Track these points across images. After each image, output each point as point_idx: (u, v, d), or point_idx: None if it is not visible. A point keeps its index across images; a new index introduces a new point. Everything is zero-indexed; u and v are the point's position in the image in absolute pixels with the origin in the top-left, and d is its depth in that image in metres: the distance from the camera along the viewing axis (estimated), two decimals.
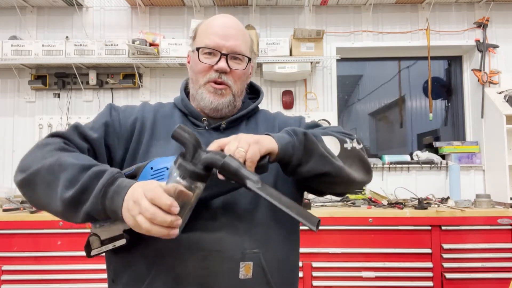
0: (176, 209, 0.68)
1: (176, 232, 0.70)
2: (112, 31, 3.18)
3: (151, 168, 0.86)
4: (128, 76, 3.09)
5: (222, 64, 0.97)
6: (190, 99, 1.06)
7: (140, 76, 3.12)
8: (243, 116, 1.06)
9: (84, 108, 3.13)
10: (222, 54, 0.98)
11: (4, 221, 2.37)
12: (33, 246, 2.35)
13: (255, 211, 0.91)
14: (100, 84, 3.08)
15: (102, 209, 0.75)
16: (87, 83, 3.08)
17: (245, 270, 0.86)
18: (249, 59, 1.03)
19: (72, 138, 0.90)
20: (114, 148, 0.95)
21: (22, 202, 2.63)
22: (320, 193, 1.02)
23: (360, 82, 3.54)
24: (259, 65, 2.96)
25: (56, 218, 2.51)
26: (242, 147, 0.76)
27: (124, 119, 0.98)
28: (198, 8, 3.14)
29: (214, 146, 0.79)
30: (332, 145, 0.90)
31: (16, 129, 3.13)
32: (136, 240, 0.84)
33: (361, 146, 0.97)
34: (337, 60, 3.06)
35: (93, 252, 0.86)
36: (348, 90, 3.48)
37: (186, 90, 1.09)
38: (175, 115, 1.03)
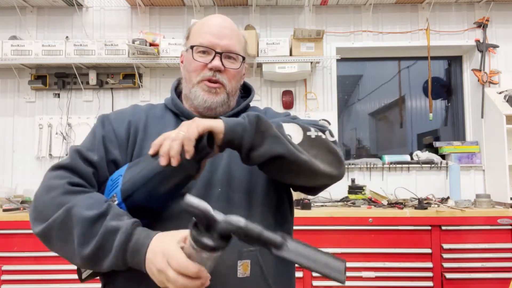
0: (205, 273, 0.69)
1: (206, 284, 0.72)
2: (112, 31, 3.18)
3: (111, 179, 0.88)
4: (128, 76, 3.09)
5: (217, 62, 0.97)
6: (182, 99, 1.06)
7: (140, 76, 3.12)
8: (235, 114, 1.04)
9: (84, 108, 3.13)
10: (216, 53, 0.97)
11: (4, 221, 2.37)
12: (33, 246, 2.35)
13: (250, 209, 0.91)
14: (100, 84, 3.08)
15: (124, 264, 0.77)
16: (87, 83, 3.08)
17: (243, 269, 0.87)
18: (243, 59, 1.03)
19: (77, 168, 0.88)
20: (119, 160, 0.94)
21: (22, 202, 2.63)
22: (290, 187, 1.00)
23: (360, 82, 3.54)
24: (259, 65, 2.96)
25: None
26: (182, 131, 0.76)
27: (118, 128, 0.97)
28: (198, 8, 3.14)
29: (159, 139, 0.78)
30: (293, 132, 0.86)
31: (16, 129, 3.13)
32: None
33: (333, 138, 0.92)
34: (337, 60, 3.06)
35: (83, 275, 0.86)
36: (348, 90, 3.48)
37: (177, 91, 1.09)
38: (167, 116, 1.02)
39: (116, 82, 3.07)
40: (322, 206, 2.64)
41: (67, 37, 2.99)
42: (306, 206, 2.49)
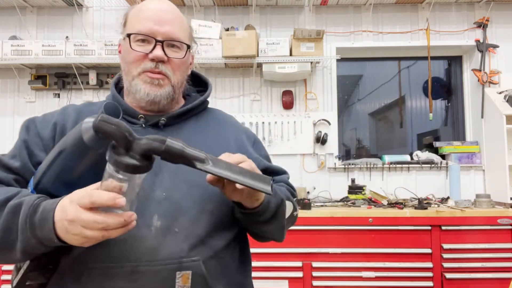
0: (122, 199, 0.61)
1: (133, 224, 0.65)
2: (112, 31, 3.18)
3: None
4: None
5: (158, 52, 0.86)
6: (124, 95, 0.96)
7: None
8: (190, 111, 0.96)
9: None
10: (157, 41, 0.87)
11: None
12: None
13: (198, 214, 0.83)
14: (100, 84, 3.08)
15: (38, 242, 0.68)
16: (87, 83, 3.07)
17: (183, 281, 0.78)
18: (188, 47, 0.93)
19: None
20: None
21: None
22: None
23: (360, 82, 3.54)
24: (259, 65, 2.96)
25: None
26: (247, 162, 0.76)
27: (42, 129, 0.88)
28: (198, 8, 3.14)
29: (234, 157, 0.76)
30: (287, 210, 0.92)
31: (16, 129, 3.11)
32: (57, 255, 0.77)
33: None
34: (337, 60, 3.06)
35: (14, 281, 0.78)
36: (348, 90, 3.48)
37: (119, 86, 0.99)
38: None
39: None
40: (322, 206, 2.64)
41: (67, 37, 2.99)
42: (306, 206, 2.49)
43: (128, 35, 0.88)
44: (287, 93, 3.12)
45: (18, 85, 3.14)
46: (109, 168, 0.62)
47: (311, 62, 2.96)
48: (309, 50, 2.87)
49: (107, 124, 0.61)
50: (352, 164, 3.05)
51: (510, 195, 2.69)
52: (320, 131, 3.03)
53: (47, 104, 3.13)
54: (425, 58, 3.16)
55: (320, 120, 3.07)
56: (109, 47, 2.89)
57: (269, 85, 3.16)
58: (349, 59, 3.28)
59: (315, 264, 2.34)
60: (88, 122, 0.66)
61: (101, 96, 3.14)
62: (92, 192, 0.62)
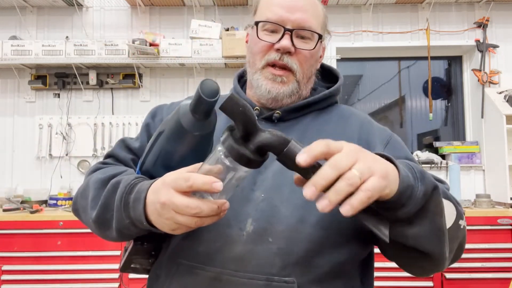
0: (219, 184, 0.54)
1: (225, 212, 0.59)
2: (112, 31, 3.18)
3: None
4: (128, 76, 3.09)
5: (285, 42, 0.79)
6: (247, 88, 0.91)
7: (140, 76, 3.12)
8: (309, 105, 0.85)
9: (84, 108, 3.13)
10: (286, 30, 0.79)
11: (4, 221, 2.37)
12: (33, 246, 2.35)
13: (297, 225, 0.69)
14: (100, 84, 3.08)
15: (130, 222, 0.64)
16: (87, 83, 3.07)
17: None
18: (320, 37, 0.83)
19: (116, 154, 0.85)
20: None
21: (22, 202, 2.63)
22: (384, 252, 0.74)
23: (360, 82, 3.54)
24: None
25: (55, 218, 2.46)
26: (360, 171, 0.49)
27: (166, 116, 0.82)
28: (198, 8, 3.14)
29: (319, 146, 0.51)
30: (448, 213, 0.65)
31: (16, 129, 3.13)
32: (160, 242, 0.76)
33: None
34: (337, 60, 3.06)
35: (121, 262, 0.78)
36: (348, 90, 3.48)
37: (244, 79, 0.94)
38: None
39: (116, 82, 3.07)
40: None
41: (67, 37, 2.99)
42: None
43: (256, 23, 0.82)
44: None
45: (18, 85, 3.14)
46: (219, 150, 0.56)
47: None
48: None
49: (234, 105, 0.54)
50: None
51: (510, 195, 2.68)
52: None
53: (47, 104, 3.13)
54: (425, 58, 3.16)
55: None
56: (109, 47, 2.89)
57: None
58: (349, 59, 3.28)
59: None
60: (186, 104, 0.63)
61: (101, 96, 3.14)
62: (190, 175, 0.55)
